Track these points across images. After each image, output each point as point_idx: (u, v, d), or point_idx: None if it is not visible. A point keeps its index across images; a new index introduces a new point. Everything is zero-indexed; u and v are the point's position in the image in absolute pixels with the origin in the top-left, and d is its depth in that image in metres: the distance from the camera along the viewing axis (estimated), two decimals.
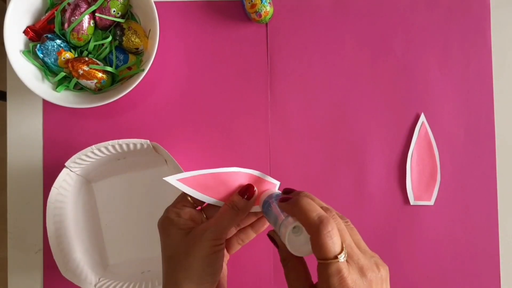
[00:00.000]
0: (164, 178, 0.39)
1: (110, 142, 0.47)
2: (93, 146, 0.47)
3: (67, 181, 0.49)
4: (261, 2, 0.52)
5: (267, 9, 0.53)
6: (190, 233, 0.38)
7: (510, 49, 0.57)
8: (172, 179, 0.39)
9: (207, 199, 0.40)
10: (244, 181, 0.41)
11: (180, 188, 0.39)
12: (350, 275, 0.30)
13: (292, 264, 0.35)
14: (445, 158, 0.56)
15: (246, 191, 0.40)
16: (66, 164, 0.47)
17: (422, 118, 0.56)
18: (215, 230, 0.38)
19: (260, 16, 0.53)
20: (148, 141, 0.47)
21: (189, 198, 0.40)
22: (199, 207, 0.41)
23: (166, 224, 0.39)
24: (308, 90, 0.56)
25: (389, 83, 0.56)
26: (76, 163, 0.48)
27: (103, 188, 0.54)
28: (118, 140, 0.47)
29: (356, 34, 0.57)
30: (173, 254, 0.38)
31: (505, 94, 0.57)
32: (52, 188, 0.48)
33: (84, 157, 0.47)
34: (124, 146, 0.47)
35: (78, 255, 0.49)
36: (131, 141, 0.47)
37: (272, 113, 0.55)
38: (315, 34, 0.56)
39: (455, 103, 0.57)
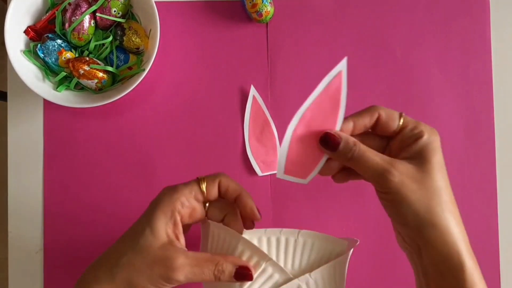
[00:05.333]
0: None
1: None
2: None
3: None
4: (262, 2, 0.52)
5: (268, 8, 0.53)
6: (164, 250, 0.35)
7: (510, 49, 0.58)
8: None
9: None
10: None
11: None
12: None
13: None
14: (445, 158, 0.56)
15: (245, 276, 0.36)
16: None
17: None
18: (181, 279, 0.35)
19: (261, 16, 0.53)
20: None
21: (203, 187, 0.37)
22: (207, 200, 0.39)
23: (167, 209, 0.36)
24: (308, 90, 0.56)
25: (389, 83, 0.56)
26: None
27: None
28: None
29: (356, 34, 0.57)
30: (138, 249, 0.36)
31: (505, 94, 0.57)
32: None
33: None
34: None
35: None
36: None
37: (272, 113, 0.55)
38: (315, 34, 0.56)
39: (454, 103, 0.57)
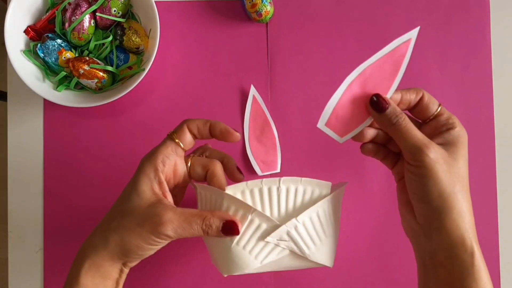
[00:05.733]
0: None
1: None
2: None
3: None
4: (262, 2, 0.52)
5: (268, 8, 0.53)
6: (152, 208, 0.36)
7: (510, 49, 0.58)
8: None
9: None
10: None
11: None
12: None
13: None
14: None
15: (231, 229, 0.37)
16: None
17: None
18: (170, 234, 0.36)
19: (261, 15, 0.53)
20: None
21: (175, 138, 0.39)
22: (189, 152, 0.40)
23: (147, 172, 0.37)
24: (308, 90, 0.56)
25: None
26: None
27: None
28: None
29: (356, 34, 0.57)
30: (127, 211, 0.37)
31: (505, 94, 0.57)
32: None
33: None
34: None
35: None
36: None
37: (272, 113, 0.55)
38: (315, 34, 0.56)
39: (455, 103, 0.57)
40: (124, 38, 0.52)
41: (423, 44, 0.57)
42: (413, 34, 0.37)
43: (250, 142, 0.54)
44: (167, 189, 0.38)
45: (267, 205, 0.38)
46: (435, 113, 0.39)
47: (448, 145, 0.37)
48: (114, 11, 0.51)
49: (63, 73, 0.51)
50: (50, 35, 0.51)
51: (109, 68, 0.51)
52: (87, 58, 0.51)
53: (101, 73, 0.51)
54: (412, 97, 0.39)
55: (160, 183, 0.38)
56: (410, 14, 0.57)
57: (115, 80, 0.53)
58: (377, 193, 0.56)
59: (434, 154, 0.36)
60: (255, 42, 0.56)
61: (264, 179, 0.38)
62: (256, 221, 0.38)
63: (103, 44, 0.52)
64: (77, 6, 0.50)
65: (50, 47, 0.50)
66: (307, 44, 0.56)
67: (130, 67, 0.53)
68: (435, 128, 0.39)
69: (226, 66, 0.56)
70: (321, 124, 0.39)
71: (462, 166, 0.37)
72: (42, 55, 0.50)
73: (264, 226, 0.38)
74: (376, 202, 0.56)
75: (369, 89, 0.38)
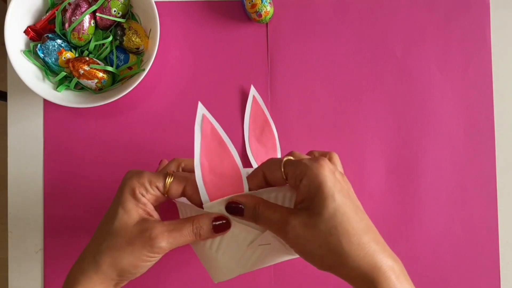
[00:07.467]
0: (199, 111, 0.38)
1: None
2: None
3: None
4: (262, 2, 0.52)
5: (268, 9, 0.53)
6: (140, 225, 0.36)
7: (510, 49, 0.58)
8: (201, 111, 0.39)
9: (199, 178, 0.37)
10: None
11: (196, 125, 0.38)
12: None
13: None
14: (445, 158, 0.56)
15: (221, 226, 0.37)
16: None
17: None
18: (163, 245, 0.36)
19: (261, 16, 0.53)
20: None
21: (167, 182, 0.38)
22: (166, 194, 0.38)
23: (131, 191, 0.37)
24: (308, 90, 0.56)
25: (389, 83, 0.56)
26: None
27: None
28: None
29: (356, 34, 0.57)
30: (115, 231, 0.36)
31: (505, 94, 0.57)
32: None
33: None
34: None
35: None
36: None
37: (272, 113, 0.55)
38: (315, 34, 0.56)
39: (454, 103, 0.57)
40: (124, 38, 0.52)
41: (423, 44, 0.57)
42: (200, 110, 0.40)
43: (250, 142, 0.54)
44: (152, 208, 0.38)
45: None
46: (285, 178, 0.36)
47: (308, 201, 0.35)
48: (114, 11, 0.51)
49: (63, 74, 0.51)
50: (50, 35, 0.51)
51: (109, 68, 0.51)
52: (87, 59, 0.51)
53: (101, 74, 0.51)
54: (259, 182, 0.38)
55: (145, 204, 0.38)
56: (410, 14, 0.57)
57: (115, 80, 0.53)
58: (376, 194, 0.56)
59: (291, 230, 0.34)
60: (255, 43, 0.56)
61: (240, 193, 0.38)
62: (237, 231, 0.38)
63: (103, 44, 0.52)
64: (77, 6, 0.50)
65: (50, 47, 0.50)
66: (307, 44, 0.56)
67: (130, 68, 0.53)
68: (297, 188, 0.36)
69: (226, 67, 0.56)
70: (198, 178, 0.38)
71: (326, 214, 0.33)
72: (42, 55, 0.50)
73: (244, 234, 0.38)
74: (375, 203, 0.56)
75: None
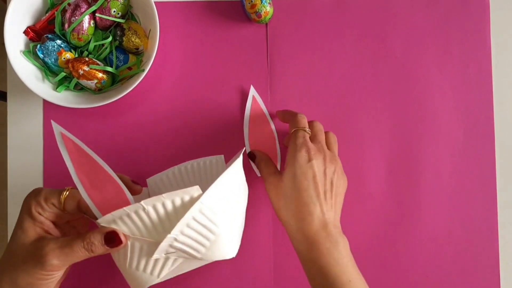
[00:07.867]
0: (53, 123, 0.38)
1: (186, 163, 0.52)
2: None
3: None
4: (261, 2, 0.52)
5: (267, 9, 0.53)
6: (35, 244, 0.37)
7: (510, 49, 0.57)
8: (57, 128, 0.38)
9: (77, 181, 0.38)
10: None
11: (59, 144, 0.38)
12: (311, 143, 0.46)
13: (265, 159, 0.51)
14: (445, 158, 0.56)
15: (113, 239, 0.37)
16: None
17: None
18: (55, 263, 0.36)
19: (260, 16, 0.53)
20: (222, 156, 0.52)
21: (62, 197, 0.38)
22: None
23: (28, 211, 0.38)
24: (308, 90, 0.56)
25: (389, 83, 0.56)
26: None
27: None
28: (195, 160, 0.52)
29: (356, 35, 0.57)
30: (12, 251, 0.37)
31: (505, 94, 0.57)
32: None
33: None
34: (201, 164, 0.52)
35: None
36: (207, 159, 0.52)
37: (272, 113, 0.55)
38: (315, 34, 0.56)
39: (454, 103, 0.57)
40: (124, 38, 0.52)
41: (423, 44, 0.57)
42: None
43: (250, 142, 0.54)
44: (51, 226, 0.39)
45: (141, 227, 0.38)
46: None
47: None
48: (114, 11, 0.51)
49: (63, 74, 0.51)
50: (49, 35, 0.51)
51: (109, 68, 0.51)
52: (87, 59, 0.51)
53: (100, 74, 0.51)
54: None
55: (42, 223, 0.38)
56: (410, 14, 0.57)
57: (115, 80, 0.53)
58: (376, 194, 0.56)
59: (267, 186, 0.48)
60: (255, 43, 0.56)
61: (126, 207, 0.37)
62: (137, 244, 0.38)
63: (103, 44, 0.52)
64: (77, 6, 0.50)
65: (50, 47, 0.50)
66: (307, 44, 0.56)
67: (129, 68, 0.53)
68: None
69: (226, 67, 0.56)
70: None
71: (286, 181, 0.45)
72: (42, 55, 0.50)
73: (145, 247, 0.38)
74: (374, 203, 0.56)
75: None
